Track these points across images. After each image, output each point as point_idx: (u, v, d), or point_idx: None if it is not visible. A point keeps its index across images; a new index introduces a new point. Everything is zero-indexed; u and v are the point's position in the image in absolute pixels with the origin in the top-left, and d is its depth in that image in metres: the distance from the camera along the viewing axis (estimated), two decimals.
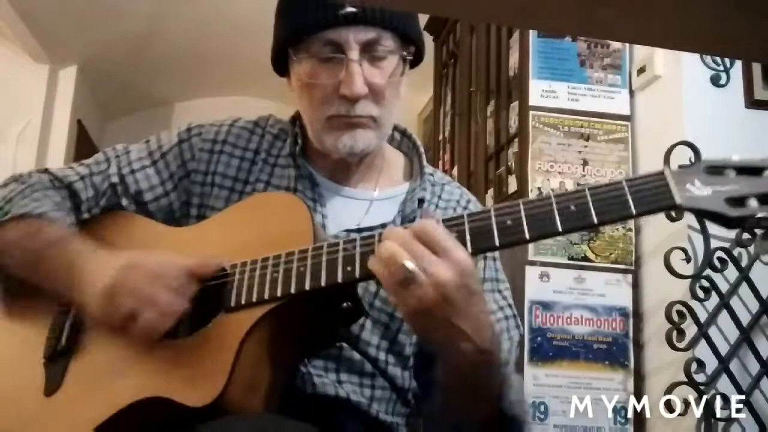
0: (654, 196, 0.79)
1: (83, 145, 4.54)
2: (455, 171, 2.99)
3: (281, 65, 1.12)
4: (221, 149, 1.11)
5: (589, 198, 0.81)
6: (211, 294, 0.93)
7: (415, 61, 1.13)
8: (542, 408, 2.09)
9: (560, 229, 0.81)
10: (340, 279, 0.86)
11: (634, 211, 0.80)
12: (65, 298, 1.00)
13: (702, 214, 0.80)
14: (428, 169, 1.17)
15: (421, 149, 1.18)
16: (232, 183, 1.09)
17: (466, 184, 2.82)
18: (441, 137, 3.30)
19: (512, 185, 2.40)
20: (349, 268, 0.86)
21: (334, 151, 1.05)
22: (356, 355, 1.01)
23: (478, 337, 0.84)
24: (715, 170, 0.80)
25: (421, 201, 1.11)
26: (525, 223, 0.82)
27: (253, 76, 5.05)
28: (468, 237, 0.84)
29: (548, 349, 2.14)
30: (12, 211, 1.04)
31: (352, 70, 1.01)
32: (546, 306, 2.16)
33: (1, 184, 1.11)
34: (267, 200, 1.04)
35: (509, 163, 2.47)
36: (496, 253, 1.13)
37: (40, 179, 1.11)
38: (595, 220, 0.81)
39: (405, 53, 1.07)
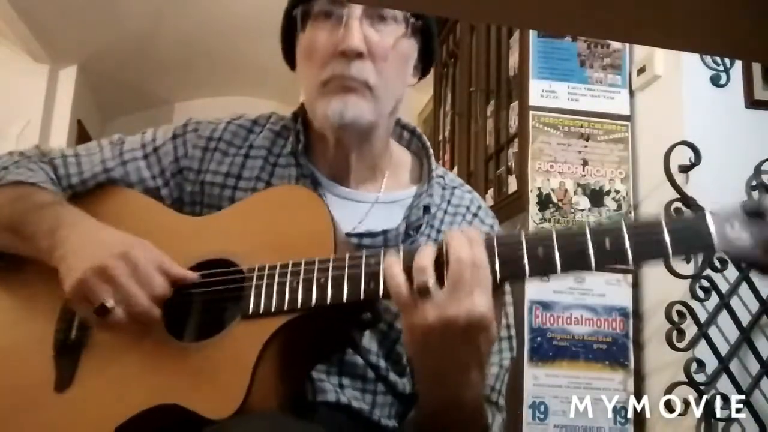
0: (693, 238, 0.78)
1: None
2: (455, 171, 2.99)
3: (290, 50, 1.09)
4: (215, 147, 1.08)
5: (626, 236, 0.79)
6: (225, 296, 0.91)
7: (427, 58, 1.10)
8: (542, 408, 2.09)
9: (593, 267, 0.79)
10: (362, 296, 0.84)
11: (671, 253, 0.78)
12: (46, 262, 0.95)
13: (739, 260, 0.80)
14: (439, 170, 1.13)
15: (430, 151, 1.14)
16: (223, 179, 1.06)
17: (466, 184, 2.81)
18: (441, 137, 3.30)
19: (512, 185, 2.40)
20: (372, 285, 0.84)
21: (325, 121, 1.00)
22: (358, 361, 1.00)
23: (461, 389, 0.84)
24: (756, 213, 0.79)
25: (426, 208, 1.07)
26: (557, 256, 0.80)
27: (253, 76, 5.05)
28: (498, 261, 0.81)
29: (548, 349, 2.14)
30: (6, 178, 1.04)
31: (351, 25, 0.98)
32: (546, 306, 2.16)
33: None
34: (284, 195, 0.99)
35: (509, 163, 2.47)
36: None
37: (33, 153, 1.10)
38: (631, 261, 0.79)
39: (411, 22, 1.03)
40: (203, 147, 1.08)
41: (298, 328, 0.87)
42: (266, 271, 0.89)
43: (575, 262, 0.80)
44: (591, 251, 0.79)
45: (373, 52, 0.99)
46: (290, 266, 0.88)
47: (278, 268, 0.88)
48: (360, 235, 1.02)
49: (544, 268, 0.80)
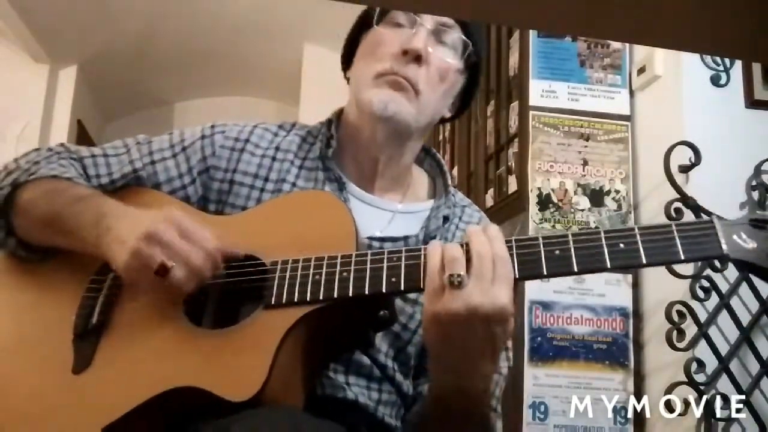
0: (703, 244, 0.82)
1: (83, 145, 4.55)
2: (455, 171, 2.99)
3: (352, 50, 1.15)
4: (243, 147, 1.11)
5: (639, 238, 0.83)
6: (247, 288, 0.93)
7: (466, 98, 1.19)
8: (542, 408, 2.09)
9: (608, 266, 0.83)
10: (384, 289, 0.87)
11: (682, 257, 0.82)
12: (91, 253, 0.97)
13: (747, 267, 0.83)
14: (450, 189, 1.18)
15: (446, 168, 1.20)
16: (252, 180, 1.08)
17: (466, 184, 2.82)
18: (441, 137, 3.30)
19: (512, 185, 2.40)
20: (393, 279, 0.87)
21: (368, 110, 1.06)
22: (365, 359, 1.02)
23: (473, 380, 0.87)
24: (760, 225, 0.83)
25: (446, 218, 1.12)
26: (574, 256, 0.84)
27: (253, 76, 5.05)
28: (516, 261, 0.85)
29: (548, 349, 2.14)
30: (39, 173, 1.04)
31: (420, 32, 1.06)
32: (546, 306, 2.16)
33: (22, 155, 1.10)
34: (309, 199, 1.04)
35: (509, 163, 2.47)
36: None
37: (62, 150, 1.12)
38: (644, 261, 0.82)
39: (465, 60, 1.12)
40: (231, 147, 1.11)
41: (320, 320, 0.89)
42: (290, 264, 0.92)
43: (591, 261, 0.84)
44: (606, 250, 0.83)
45: (430, 63, 1.07)
46: (313, 260, 0.91)
47: (301, 261, 0.91)
48: (382, 239, 1.06)
49: (561, 269, 0.85)
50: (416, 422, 1.02)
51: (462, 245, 0.86)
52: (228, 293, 0.94)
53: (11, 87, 4.35)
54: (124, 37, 4.50)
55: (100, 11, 4.17)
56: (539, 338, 2.14)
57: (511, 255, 0.85)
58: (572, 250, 0.84)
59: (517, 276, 0.85)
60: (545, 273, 0.85)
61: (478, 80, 1.19)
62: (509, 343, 1.11)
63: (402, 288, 0.87)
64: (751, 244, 0.81)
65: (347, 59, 1.17)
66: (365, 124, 1.08)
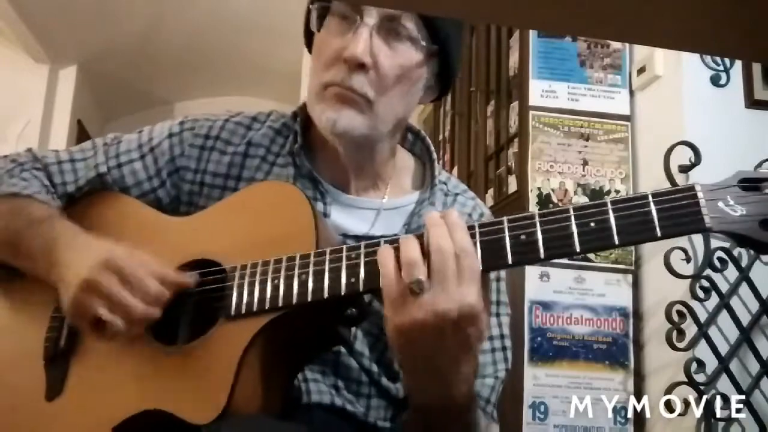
0: (683, 217, 0.73)
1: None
2: (455, 171, 2.99)
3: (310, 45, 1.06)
4: (213, 146, 1.05)
5: (611, 215, 0.75)
6: (210, 297, 0.91)
7: (445, 81, 1.06)
8: (542, 408, 2.09)
9: (578, 250, 0.76)
10: (342, 291, 0.82)
11: (659, 234, 0.73)
12: (43, 281, 0.95)
13: (734, 238, 0.74)
14: (442, 176, 1.11)
15: (434, 155, 1.11)
16: (223, 181, 1.04)
17: (466, 184, 2.80)
18: (441, 137, 3.30)
19: (512, 185, 2.40)
20: (352, 280, 0.82)
21: (320, 126, 0.99)
22: (353, 364, 0.99)
23: (452, 385, 0.80)
24: (751, 185, 0.73)
25: None
26: (540, 240, 0.76)
27: (253, 76, 5.05)
28: (479, 252, 0.78)
29: (548, 349, 2.13)
30: (0, 190, 1.02)
31: (359, 33, 0.94)
32: (546, 306, 2.16)
33: None
34: (268, 191, 0.97)
35: (509, 163, 2.47)
36: (503, 273, 1.07)
37: (27, 158, 1.08)
38: (616, 241, 0.74)
39: (426, 47, 0.98)
40: (200, 146, 1.06)
41: (282, 327, 0.86)
42: (248, 270, 0.87)
43: (559, 245, 0.76)
44: (575, 232, 0.75)
45: (378, 67, 0.95)
46: (272, 263, 0.87)
47: (260, 265, 0.87)
48: (357, 238, 0.99)
49: (527, 255, 0.77)
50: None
51: (419, 237, 0.79)
52: (196, 303, 0.92)
53: (11, 87, 4.36)
54: (124, 37, 4.51)
55: (100, 11, 4.17)
56: (539, 338, 2.14)
57: (474, 243, 0.78)
58: (539, 233, 0.76)
59: (480, 268, 0.77)
60: (510, 262, 0.77)
61: (451, 59, 1.04)
62: (508, 343, 1.06)
63: (360, 289, 0.81)
64: (739, 211, 0.72)
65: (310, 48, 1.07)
66: (325, 136, 1.01)
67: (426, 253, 0.77)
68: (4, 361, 1.00)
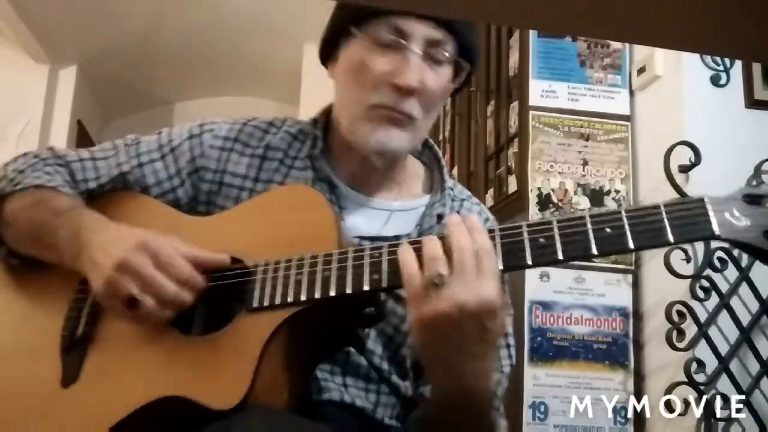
0: (693, 224, 0.78)
1: (83, 145, 4.50)
2: (455, 171, 2.99)
3: (330, 48, 1.09)
4: (232, 147, 1.09)
5: (625, 221, 0.79)
6: (230, 291, 0.92)
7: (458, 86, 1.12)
8: (542, 408, 2.09)
9: (595, 252, 0.80)
10: (366, 287, 0.85)
11: (671, 239, 0.78)
12: (71, 269, 0.97)
13: (740, 246, 0.78)
14: (449, 182, 1.14)
15: (443, 162, 1.16)
16: (241, 181, 1.07)
17: (466, 184, 2.82)
18: (441, 137, 3.30)
19: (512, 185, 2.40)
20: (375, 276, 0.85)
21: (364, 144, 1.03)
22: (362, 361, 1.01)
23: (472, 379, 0.83)
24: (754, 199, 0.78)
25: (440, 216, 1.09)
26: (559, 243, 0.81)
27: (253, 76, 5.05)
28: (500, 252, 0.82)
29: (548, 349, 2.13)
30: (24, 182, 1.03)
31: (413, 62, 1.00)
32: (546, 306, 2.16)
33: (11, 160, 1.10)
34: (289, 195, 1.01)
35: (509, 163, 2.47)
36: (506, 276, 1.09)
37: (49, 155, 1.10)
38: (631, 245, 0.79)
39: (461, 68, 1.07)
40: (220, 147, 1.09)
41: (303, 321, 0.87)
42: (271, 266, 0.90)
43: (576, 247, 0.80)
44: (591, 236, 0.80)
45: (424, 91, 1.01)
46: (294, 261, 0.89)
47: (283, 262, 0.89)
48: (373, 239, 1.03)
49: (546, 257, 0.81)
50: (420, 429, 0.99)
51: (441, 238, 0.83)
52: (214, 298, 0.93)
53: (11, 87, 4.36)
54: (124, 37, 4.51)
55: (100, 11, 4.17)
56: (539, 338, 2.14)
57: (494, 245, 0.82)
58: (557, 237, 0.81)
59: (501, 267, 0.82)
60: (530, 263, 0.81)
61: (469, 77, 1.13)
62: (512, 341, 1.09)
63: (384, 285, 0.85)
64: (744, 222, 0.76)
65: (326, 55, 1.11)
66: (360, 150, 1.05)
67: (447, 251, 0.81)
68: (21, 350, 1.00)
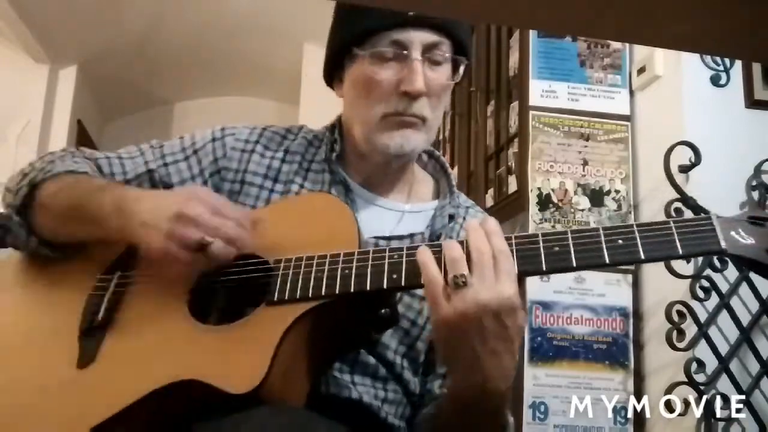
0: (701, 239, 0.82)
1: (83, 145, 4.54)
2: (455, 171, 2.99)
3: (334, 70, 1.16)
4: (253, 149, 1.15)
5: (637, 234, 0.84)
6: (252, 285, 0.94)
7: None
8: (542, 408, 2.10)
9: (607, 261, 0.84)
10: (385, 285, 0.88)
11: (681, 252, 0.82)
12: (115, 239, 1.00)
13: (745, 262, 0.83)
14: (455, 189, 1.20)
15: (449, 170, 1.22)
16: (262, 180, 1.12)
17: (466, 184, 2.82)
18: (441, 137, 3.30)
19: (512, 185, 2.40)
20: (394, 276, 0.88)
21: (384, 150, 1.09)
22: (371, 359, 1.04)
23: (491, 378, 0.86)
24: (757, 222, 0.83)
25: (451, 217, 1.14)
26: (573, 252, 0.85)
27: (253, 76, 5.06)
28: (515, 257, 0.86)
29: (548, 349, 2.14)
30: (55, 170, 1.07)
31: (415, 68, 1.06)
32: (546, 306, 2.16)
33: (37, 159, 1.13)
34: (314, 200, 1.07)
35: (509, 163, 2.47)
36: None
37: (76, 151, 1.15)
38: (643, 256, 0.83)
39: (458, 63, 1.12)
40: (241, 149, 1.15)
41: (321, 317, 0.90)
42: (293, 262, 0.93)
43: (589, 256, 0.84)
44: (605, 246, 0.84)
45: (430, 92, 1.08)
46: (316, 258, 0.92)
47: (304, 259, 0.93)
48: (388, 238, 1.08)
49: (560, 263, 0.85)
50: (433, 427, 1.01)
51: (461, 243, 0.86)
52: (232, 291, 0.96)
53: (11, 87, 4.36)
54: (124, 36, 4.51)
55: (100, 11, 4.17)
56: (539, 338, 2.14)
57: (511, 251, 0.86)
58: (571, 246, 0.85)
59: (517, 271, 0.85)
60: (545, 268, 0.85)
61: (470, 66, 1.20)
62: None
63: (403, 284, 0.88)
64: (750, 240, 0.82)
65: (330, 77, 1.18)
66: (376, 157, 1.11)
67: (466, 254, 0.85)
68: (42, 332, 1.02)
